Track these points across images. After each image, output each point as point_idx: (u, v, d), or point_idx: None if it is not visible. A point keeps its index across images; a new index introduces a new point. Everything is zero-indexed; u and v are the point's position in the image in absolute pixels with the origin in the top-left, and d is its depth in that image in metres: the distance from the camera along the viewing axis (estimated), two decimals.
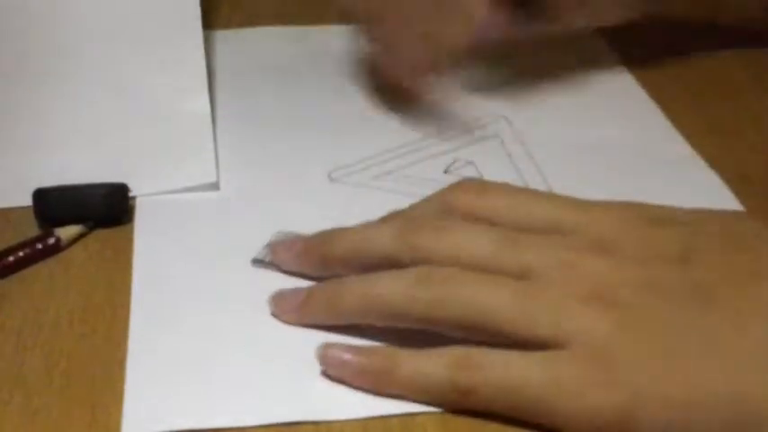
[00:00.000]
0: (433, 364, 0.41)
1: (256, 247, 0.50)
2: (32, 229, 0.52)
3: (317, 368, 0.43)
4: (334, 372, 0.43)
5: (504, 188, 0.47)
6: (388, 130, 0.60)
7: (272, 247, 0.49)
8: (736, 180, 0.55)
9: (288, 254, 0.49)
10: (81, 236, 0.52)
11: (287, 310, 0.46)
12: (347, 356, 0.43)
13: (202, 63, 0.60)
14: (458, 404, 0.41)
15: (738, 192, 0.54)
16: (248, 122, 0.61)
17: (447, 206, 0.46)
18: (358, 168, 0.57)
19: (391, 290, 0.43)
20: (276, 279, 0.49)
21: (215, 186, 0.55)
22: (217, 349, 0.45)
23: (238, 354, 0.45)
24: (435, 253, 0.43)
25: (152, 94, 0.59)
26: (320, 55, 0.69)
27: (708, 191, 0.55)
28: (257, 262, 0.50)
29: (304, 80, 0.66)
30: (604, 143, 0.59)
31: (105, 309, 0.47)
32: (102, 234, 0.52)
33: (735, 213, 0.46)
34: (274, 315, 0.46)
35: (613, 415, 0.39)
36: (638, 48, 0.68)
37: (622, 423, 0.39)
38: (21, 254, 0.50)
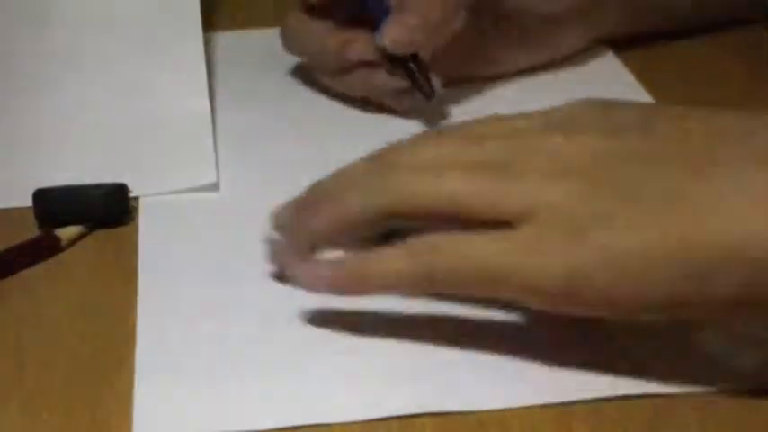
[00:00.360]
0: (396, 258, 0.43)
1: (258, 247, 0.50)
2: (32, 229, 0.52)
3: (319, 371, 0.44)
4: (310, 286, 0.44)
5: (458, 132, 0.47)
6: (389, 130, 0.60)
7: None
8: None
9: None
10: (81, 236, 0.52)
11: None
12: (321, 270, 0.44)
13: (202, 64, 0.60)
14: (427, 290, 0.43)
15: None
16: (248, 122, 0.61)
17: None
18: None
19: (363, 191, 0.44)
20: (274, 276, 0.49)
21: (215, 187, 0.55)
22: (222, 354, 0.45)
23: (243, 357, 0.45)
24: (409, 161, 0.45)
25: (152, 95, 0.59)
26: None
27: None
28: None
29: (304, 81, 0.65)
30: None
31: (105, 309, 0.47)
32: (102, 234, 0.52)
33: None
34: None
35: (569, 271, 0.40)
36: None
37: (577, 279, 0.40)
38: (21, 254, 0.50)
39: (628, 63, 0.66)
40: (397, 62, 0.59)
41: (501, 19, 0.62)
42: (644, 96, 0.63)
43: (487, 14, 0.61)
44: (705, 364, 0.44)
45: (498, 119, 0.45)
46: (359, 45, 0.59)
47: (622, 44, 0.67)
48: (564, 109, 0.45)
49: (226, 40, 0.69)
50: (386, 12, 0.58)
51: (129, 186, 0.53)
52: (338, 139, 0.59)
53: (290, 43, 0.62)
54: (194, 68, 0.60)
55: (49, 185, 0.53)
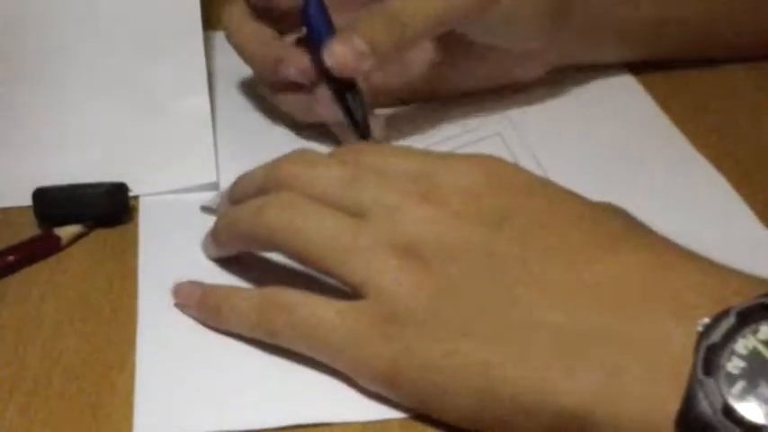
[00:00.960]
0: (246, 305, 0.44)
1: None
2: (32, 229, 0.52)
3: (319, 370, 0.43)
4: (181, 304, 0.46)
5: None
6: (390, 129, 0.60)
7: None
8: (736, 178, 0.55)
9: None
10: (81, 235, 0.52)
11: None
12: (192, 291, 0.46)
13: (202, 63, 0.60)
14: (269, 341, 0.44)
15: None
16: (248, 122, 0.61)
17: (272, 178, 0.47)
18: None
19: (242, 214, 0.46)
20: (276, 277, 0.49)
21: (215, 186, 0.55)
22: (222, 353, 0.45)
23: (243, 356, 0.45)
24: (292, 184, 0.45)
25: (152, 94, 0.59)
26: None
27: (710, 188, 0.55)
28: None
29: None
30: (606, 142, 0.59)
31: (105, 308, 0.47)
32: (101, 234, 0.52)
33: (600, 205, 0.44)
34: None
35: (386, 368, 0.41)
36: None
37: (391, 377, 0.41)
38: (21, 254, 0.50)
39: (642, 80, 0.65)
40: (332, 89, 0.55)
41: (469, 53, 0.59)
42: (657, 112, 0.62)
43: (456, 48, 0.59)
44: None
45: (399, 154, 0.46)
46: (293, 63, 0.55)
47: (637, 62, 0.66)
48: (453, 173, 0.43)
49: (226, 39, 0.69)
50: (329, 32, 0.54)
51: (129, 185, 0.53)
52: (338, 137, 0.59)
53: (229, 39, 0.59)
54: (194, 67, 0.60)
55: (49, 185, 0.53)
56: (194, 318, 0.46)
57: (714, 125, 0.61)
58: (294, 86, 0.56)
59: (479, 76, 0.61)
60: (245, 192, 0.48)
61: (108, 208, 0.52)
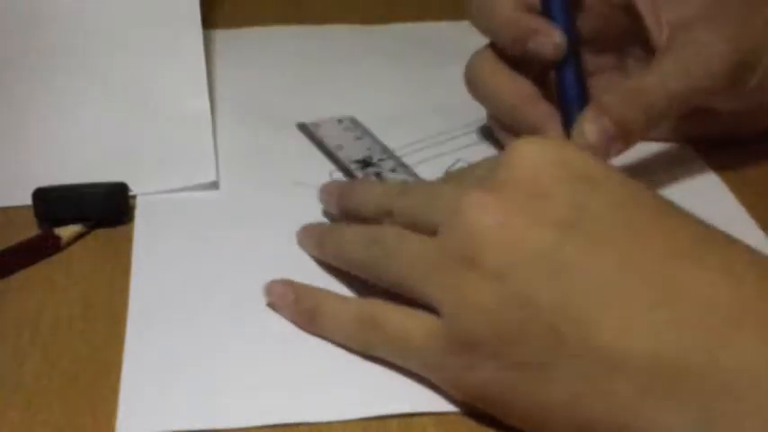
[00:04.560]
0: (345, 316, 0.44)
1: (256, 247, 0.50)
2: (32, 229, 0.52)
3: (316, 369, 0.44)
4: (274, 303, 0.46)
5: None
6: (391, 130, 0.60)
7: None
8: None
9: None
10: (81, 235, 0.52)
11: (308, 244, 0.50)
12: (285, 291, 0.46)
13: (202, 63, 0.60)
14: (362, 351, 0.44)
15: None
16: (248, 122, 0.61)
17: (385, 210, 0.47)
18: (357, 168, 0.57)
19: (353, 239, 0.47)
20: (274, 276, 0.49)
21: (215, 186, 0.55)
22: (214, 349, 0.45)
23: (236, 354, 0.45)
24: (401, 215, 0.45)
25: (152, 94, 0.59)
26: (321, 55, 0.69)
27: (710, 194, 0.55)
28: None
29: (304, 80, 0.65)
30: None
31: (105, 308, 0.47)
32: (102, 234, 0.52)
33: None
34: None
35: (473, 393, 0.41)
36: None
37: (479, 400, 0.41)
38: (21, 254, 0.50)
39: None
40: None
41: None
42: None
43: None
44: None
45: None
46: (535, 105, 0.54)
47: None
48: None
49: (226, 38, 0.69)
50: (580, 101, 0.53)
51: (129, 185, 0.53)
52: (338, 138, 0.59)
53: (472, 86, 0.57)
54: (194, 67, 0.60)
55: (49, 185, 0.53)
56: (288, 319, 0.46)
57: None
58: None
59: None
60: (358, 210, 0.49)
61: (108, 208, 0.52)
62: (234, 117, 0.61)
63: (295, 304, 0.46)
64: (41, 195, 0.52)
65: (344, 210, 0.50)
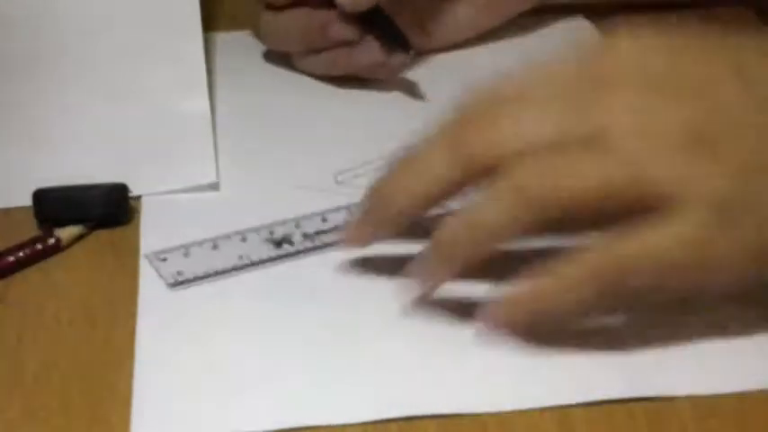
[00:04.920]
0: (580, 275, 0.41)
1: (256, 249, 0.50)
2: (32, 229, 0.52)
3: (319, 372, 0.44)
4: (507, 326, 0.43)
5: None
6: (393, 131, 0.60)
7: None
8: None
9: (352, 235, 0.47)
10: (81, 236, 0.52)
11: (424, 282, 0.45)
12: (506, 308, 0.43)
13: (202, 64, 0.60)
14: (615, 297, 0.42)
15: None
16: (249, 123, 0.61)
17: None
18: (363, 171, 0.57)
19: (494, 218, 0.41)
20: (278, 282, 0.49)
21: (215, 187, 0.55)
22: (222, 355, 0.45)
23: (243, 359, 0.45)
24: (499, 151, 0.41)
25: (152, 95, 0.59)
26: None
27: None
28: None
29: (306, 81, 0.65)
30: None
31: (105, 309, 0.47)
32: (102, 234, 0.52)
33: None
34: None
35: (752, 251, 0.41)
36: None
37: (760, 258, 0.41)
38: (21, 254, 0.50)
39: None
40: (367, 23, 0.60)
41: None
42: None
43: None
44: (706, 367, 0.44)
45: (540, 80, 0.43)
46: (337, 25, 0.60)
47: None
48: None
49: (226, 39, 0.69)
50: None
51: (130, 186, 0.53)
52: (339, 138, 0.59)
53: (270, 37, 0.64)
54: (194, 68, 0.60)
55: (50, 186, 0.53)
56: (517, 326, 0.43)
57: None
58: (334, 45, 0.61)
59: (474, 15, 0.65)
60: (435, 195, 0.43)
61: (108, 209, 0.52)
62: (234, 118, 0.61)
63: (520, 304, 0.43)
64: (42, 196, 0.52)
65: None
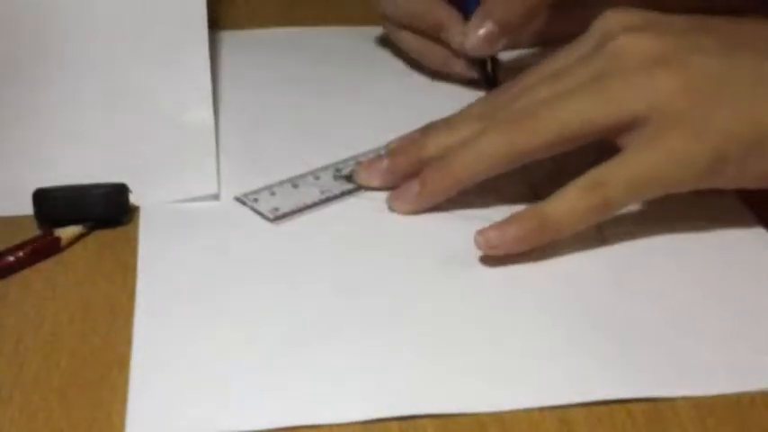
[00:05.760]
0: (570, 202, 0.49)
1: (256, 253, 0.50)
2: (33, 230, 0.52)
3: (317, 372, 0.44)
4: (495, 250, 0.49)
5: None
6: (396, 134, 0.60)
7: (359, 168, 0.56)
8: None
9: (374, 171, 0.55)
10: (81, 236, 0.52)
11: (405, 201, 0.53)
12: (500, 233, 0.49)
13: (207, 74, 0.59)
14: (601, 217, 0.50)
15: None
16: (250, 124, 0.61)
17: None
18: None
19: (491, 145, 0.51)
20: (275, 284, 0.49)
21: (215, 197, 0.55)
22: (219, 354, 0.45)
23: (240, 358, 0.45)
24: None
25: (155, 105, 0.58)
26: (323, 58, 0.69)
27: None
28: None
29: (309, 84, 0.65)
30: None
31: (105, 309, 0.47)
32: (101, 234, 0.52)
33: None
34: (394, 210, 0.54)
35: (710, 157, 0.48)
36: None
37: (717, 162, 0.48)
38: (21, 254, 0.50)
39: None
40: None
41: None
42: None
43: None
44: (706, 367, 0.44)
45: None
46: (450, 32, 0.63)
47: None
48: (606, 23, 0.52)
49: (231, 39, 0.69)
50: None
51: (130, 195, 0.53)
52: (344, 145, 0.59)
53: (387, 4, 0.66)
54: (199, 78, 0.60)
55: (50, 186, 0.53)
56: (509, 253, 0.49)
57: None
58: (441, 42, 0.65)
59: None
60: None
61: (108, 209, 0.52)
62: (237, 121, 0.61)
63: (515, 234, 0.49)
64: (42, 196, 0.52)
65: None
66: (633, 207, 0.52)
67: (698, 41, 0.50)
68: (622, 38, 0.50)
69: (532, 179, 0.55)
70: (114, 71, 0.59)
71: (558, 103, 0.50)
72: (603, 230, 0.51)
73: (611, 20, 0.51)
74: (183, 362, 0.44)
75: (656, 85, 0.49)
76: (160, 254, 0.51)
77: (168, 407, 0.42)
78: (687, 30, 0.51)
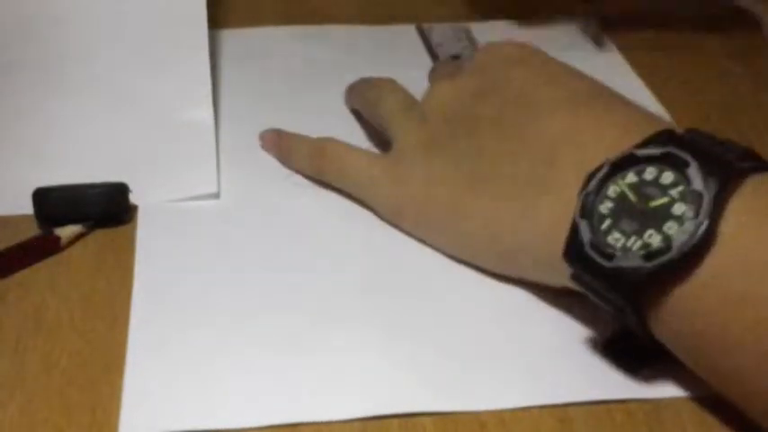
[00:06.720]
0: (303, 150, 0.56)
1: (255, 253, 0.51)
2: (32, 229, 0.52)
3: (317, 369, 0.44)
4: (265, 147, 0.58)
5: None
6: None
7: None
8: None
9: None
10: (81, 236, 0.52)
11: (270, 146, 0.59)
12: (272, 137, 0.58)
13: (207, 75, 0.59)
14: (318, 177, 0.55)
15: None
16: (250, 124, 0.61)
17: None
18: None
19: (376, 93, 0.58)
20: (274, 283, 0.49)
21: (215, 196, 0.55)
22: (216, 351, 0.45)
23: (237, 356, 0.45)
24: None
25: (156, 105, 0.58)
26: (323, 57, 0.69)
27: None
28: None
29: (309, 83, 0.65)
30: None
31: (105, 309, 0.47)
32: (101, 234, 0.52)
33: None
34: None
35: (395, 204, 0.52)
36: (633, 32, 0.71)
37: (397, 213, 0.52)
38: (21, 254, 0.50)
39: (629, 59, 0.67)
40: None
41: None
42: (646, 94, 0.63)
43: None
44: None
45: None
46: None
47: (627, 43, 0.68)
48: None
49: (231, 37, 0.69)
50: None
51: (130, 194, 0.53)
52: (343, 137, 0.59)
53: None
54: (199, 79, 0.60)
55: (50, 185, 0.53)
56: (274, 157, 0.57)
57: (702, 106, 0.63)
58: None
59: None
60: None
61: (108, 208, 0.52)
62: (237, 121, 0.61)
63: (277, 145, 0.57)
64: (41, 196, 0.52)
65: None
66: None
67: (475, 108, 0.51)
68: (445, 83, 0.53)
69: None
70: (114, 71, 0.59)
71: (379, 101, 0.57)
72: None
73: (481, 53, 0.54)
74: (180, 360, 0.44)
75: (407, 126, 0.53)
76: (158, 253, 0.51)
77: (164, 404, 0.42)
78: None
